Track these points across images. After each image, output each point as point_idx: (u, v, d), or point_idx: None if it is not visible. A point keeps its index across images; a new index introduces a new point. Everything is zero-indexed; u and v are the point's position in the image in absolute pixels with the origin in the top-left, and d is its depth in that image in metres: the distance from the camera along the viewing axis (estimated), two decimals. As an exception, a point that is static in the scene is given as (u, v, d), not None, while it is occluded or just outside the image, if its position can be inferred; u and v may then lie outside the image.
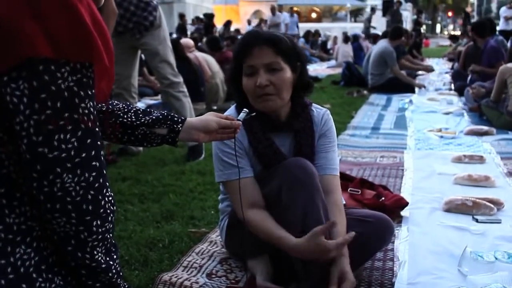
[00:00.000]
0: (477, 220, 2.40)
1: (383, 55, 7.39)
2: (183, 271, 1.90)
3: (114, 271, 1.15)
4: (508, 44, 7.41)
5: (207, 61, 5.77)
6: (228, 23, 15.81)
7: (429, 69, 8.50)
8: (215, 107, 5.65)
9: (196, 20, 16.96)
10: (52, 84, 1.00)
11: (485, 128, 4.53)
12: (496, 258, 1.89)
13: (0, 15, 0.97)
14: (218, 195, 2.08)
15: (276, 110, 1.80)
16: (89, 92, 1.06)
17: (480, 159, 3.51)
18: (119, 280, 1.17)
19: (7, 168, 1.06)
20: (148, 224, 2.41)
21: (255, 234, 1.71)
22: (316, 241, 1.54)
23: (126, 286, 1.35)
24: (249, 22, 20.50)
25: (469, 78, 6.71)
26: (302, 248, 1.57)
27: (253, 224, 1.70)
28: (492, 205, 2.51)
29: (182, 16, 17.35)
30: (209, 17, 15.01)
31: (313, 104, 1.93)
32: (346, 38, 12.90)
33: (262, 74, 1.72)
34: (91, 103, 1.06)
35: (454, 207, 2.54)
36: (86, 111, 1.05)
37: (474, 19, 22.04)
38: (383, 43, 7.78)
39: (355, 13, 41.30)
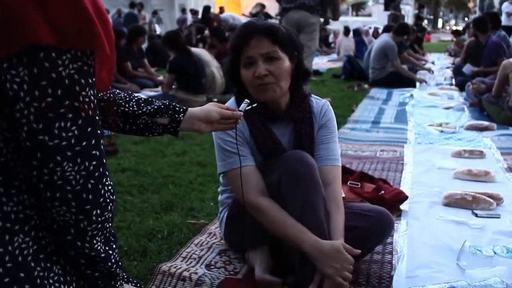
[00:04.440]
0: (476, 215, 2.41)
1: (385, 49, 7.37)
2: (182, 261, 1.90)
3: (113, 260, 1.15)
4: (511, 40, 7.39)
5: (197, 55, 5.78)
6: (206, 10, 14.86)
7: (430, 71, 8.51)
8: (215, 99, 5.65)
9: (194, 13, 16.90)
10: (52, 71, 0.99)
11: (485, 123, 4.52)
12: (495, 253, 1.89)
13: (2, 1, 0.96)
14: (218, 186, 2.08)
15: (276, 99, 1.80)
16: (90, 81, 1.05)
17: (480, 154, 3.51)
18: (118, 269, 1.17)
19: (5, 155, 1.05)
20: (148, 215, 2.41)
21: (256, 225, 1.71)
22: (339, 249, 1.56)
23: (125, 276, 1.36)
24: (251, 15, 20.40)
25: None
26: (323, 247, 1.57)
27: (265, 211, 1.68)
28: (491, 200, 2.51)
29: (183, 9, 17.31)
30: (206, 9, 14.92)
31: (312, 95, 1.93)
32: (346, 31, 12.86)
33: (260, 64, 1.72)
34: (92, 92, 1.06)
35: (454, 202, 2.54)
36: (87, 99, 1.04)
37: (477, 14, 21.98)
38: (384, 37, 7.76)
39: (357, 7, 41.19)
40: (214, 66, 5.88)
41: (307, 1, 5.21)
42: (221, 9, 15.83)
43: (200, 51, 6.06)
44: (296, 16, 5.24)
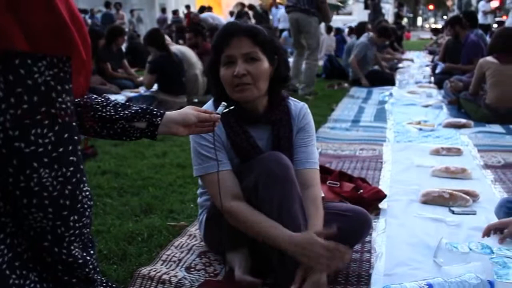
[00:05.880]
0: (453, 212, 2.45)
1: (355, 46, 7.49)
2: (162, 265, 1.90)
3: (90, 266, 1.15)
4: (487, 38, 7.51)
5: (184, 53, 5.74)
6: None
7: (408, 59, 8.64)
8: (196, 100, 5.63)
9: (174, 13, 16.90)
10: (28, 78, 0.99)
11: (463, 121, 4.60)
12: (470, 249, 1.92)
13: None
14: (198, 188, 2.08)
15: (253, 100, 1.81)
16: (66, 87, 1.05)
17: (458, 152, 3.57)
18: (95, 275, 1.17)
19: None
20: (127, 217, 2.40)
21: (235, 227, 1.72)
22: (311, 237, 1.56)
23: (104, 280, 1.35)
24: (231, 14, 20.39)
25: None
26: (296, 239, 1.57)
27: (238, 215, 1.69)
28: (468, 197, 2.56)
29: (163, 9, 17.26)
30: (201, 10, 14.93)
31: (290, 98, 1.95)
32: (329, 29, 12.89)
33: (240, 64, 1.73)
34: (69, 98, 1.06)
35: (431, 199, 2.58)
36: (64, 106, 1.04)
37: (455, 12, 22.28)
38: (363, 38, 7.81)
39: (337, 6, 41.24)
40: (198, 68, 5.82)
41: (301, 5, 6.04)
42: (209, 8, 15.74)
43: (186, 51, 5.93)
44: (295, 16, 6.19)
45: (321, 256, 1.56)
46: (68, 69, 1.05)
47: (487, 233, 2.07)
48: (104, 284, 1.36)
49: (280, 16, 13.83)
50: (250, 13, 14.01)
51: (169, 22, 16.21)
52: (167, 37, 6.14)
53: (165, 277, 1.77)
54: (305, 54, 6.47)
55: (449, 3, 47.67)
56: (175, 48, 5.82)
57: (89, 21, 14.98)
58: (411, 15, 44.58)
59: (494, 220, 2.20)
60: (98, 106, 1.45)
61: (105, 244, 2.08)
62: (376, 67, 7.95)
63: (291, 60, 7.99)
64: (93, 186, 2.73)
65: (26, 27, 0.98)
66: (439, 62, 7.33)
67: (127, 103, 1.52)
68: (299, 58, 6.67)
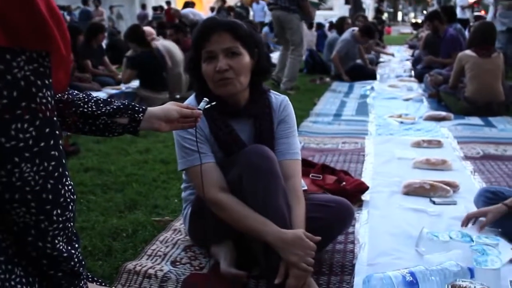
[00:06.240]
0: (434, 202, 2.49)
1: (338, 41, 7.52)
2: (147, 259, 1.91)
3: (76, 260, 1.15)
4: (466, 33, 7.60)
5: (170, 50, 5.70)
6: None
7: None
8: (178, 96, 5.61)
9: (155, 10, 16.79)
10: (7, 73, 0.99)
11: (443, 113, 4.67)
12: (451, 238, 1.96)
13: None
14: (181, 183, 2.09)
15: (236, 94, 1.81)
16: (46, 82, 1.05)
17: (438, 144, 3.63)
18: (81, 269, 1.17)
19: None
20: (112, 214, 2.40)
21: (219, 220, 1.73)
22: (301, 236, 1.59)
23: (90, 275, 1.36)
24: (212, 9, 20.31)
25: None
26: (286, 236, 1.60)
27: (226, 206, 1.70)
28: (448, 188, 2.61)
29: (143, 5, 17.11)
30: (186, 4, 14.83)
31: (271, 91, 1.96)
32: (310, 25, 12.91)
33: (221, 59, 1.74)
34: (49, 93, 1.06)
35: (413, 190, 2.62)
36: (44, 101, 1.04)
37: (434, 7, 22.47)
38: (346, 34, 7.84)
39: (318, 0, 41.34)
40: (182, 66, 5.78)
41: (281, 2, 6.19)
42: (192, 4, 15.62)
43: (172, 47, 5.86)
44: (277, 14, 6.35)
45: (308, 255, 1.59)
46: (47, 63, 1.05)
47: (466, 222, 2.12)
48: (90, 279, 1.36)
49: (266, 10, 13.83)
50: (231, 14, 13.98)
51: (149, 18, 16.07)
52: (152, 31, 6.08)
53: (151, 271, 1.78)
54: (290, 49, 6.50)
55: (428, -3, 48.02)
56: (160, 43, 5.77)
57: (68, 18, 14.79)
58: (391, 10, 44.86)
59: (474, 209, 2.24)
60: (79, 102, 1.44)
61: (90, 240, 2.08)
62: (359, 61, 7.99)
63: (272, 55, 8.02)
64: (77, 183, 2.72)
65: (4, 22, 0.98)
66: (422, 54, 7.37)
67: (109, 99, 1.51)
68: (285, 52, 6.69)
